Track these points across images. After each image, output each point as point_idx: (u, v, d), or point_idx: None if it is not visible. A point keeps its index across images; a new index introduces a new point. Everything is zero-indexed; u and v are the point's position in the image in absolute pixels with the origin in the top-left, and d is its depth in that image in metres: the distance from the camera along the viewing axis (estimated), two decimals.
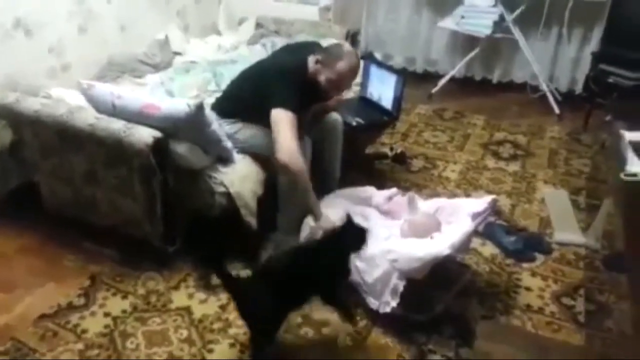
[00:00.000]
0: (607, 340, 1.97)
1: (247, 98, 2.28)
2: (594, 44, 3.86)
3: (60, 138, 2.19)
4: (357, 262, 1.95)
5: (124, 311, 2.04)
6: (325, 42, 3.20)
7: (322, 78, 2.21)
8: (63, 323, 1.99)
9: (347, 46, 2.33)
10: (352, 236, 1.81)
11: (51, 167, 2.33)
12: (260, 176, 2.30)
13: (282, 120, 2.08)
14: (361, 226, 1.85)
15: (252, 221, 2.23)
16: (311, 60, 2.24)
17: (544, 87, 3.91)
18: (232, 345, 1.91)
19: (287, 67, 2.22)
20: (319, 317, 2.02)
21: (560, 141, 3.50)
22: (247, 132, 2.30)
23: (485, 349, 1.68)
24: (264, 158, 2.27)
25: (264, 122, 2.13)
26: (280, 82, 2.16)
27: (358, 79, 3.00)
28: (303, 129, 2.25)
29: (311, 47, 2.38)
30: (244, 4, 4.02)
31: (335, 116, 2.55)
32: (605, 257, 2.40)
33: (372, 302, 1.96)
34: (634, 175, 1.75)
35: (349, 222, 1.82)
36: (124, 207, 2.23)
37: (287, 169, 2.06)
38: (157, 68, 3.22)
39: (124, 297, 2.11)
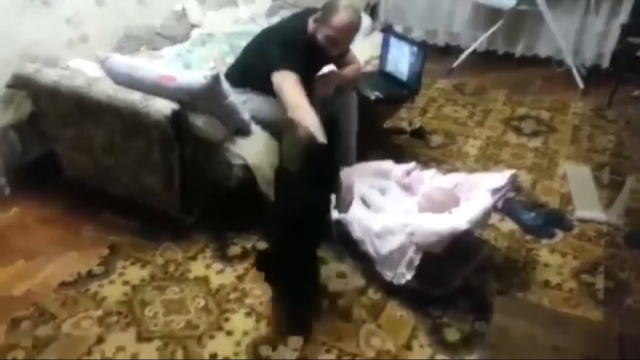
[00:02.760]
0: (626, 318, 1.95)
1: (252, 66, 2.29)
2: (623, 17, 3.73)
3: (78, 109, 2.20)
4: (372, 236, 1.94)
5: (142, 280, 2.08)
6: None
7: (320, 36, 2.20)
8: (83, 290, 2.03)
9: (344, 1, 2.23)
10: None
11: (70, 137, 2.35)
12: (276, 147, 2.28)
13: (284, 80, 2.09)
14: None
15: (270, 192, 2.23)
16: (310, 21, 2.24)
17: (568, 61, 3.80)
18: (248, 314, 1.93)
19: (286, 30, 2.24)
20: (334, 288, 2.03)
21: (584, 117, 3.41)
22: (255, 101, 2.29)
23: (502, 324, 1.67)
24: (275, 127, 2.23)
25: (272, 90, 2.14)
26: (279, 45, 2.16)
27: (377, 52, 2.97)
28: (314, 86, 2.25)
29: (315, 10, 2.35)
30: None
31: (349, 90, 2.50)
32: (627, 234, 2.36)
33: (387, 274, 1.96)
34: None
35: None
36: (143, 178, 2.24)
37: (301, 124, 1.92)
38: (174, 40, 3.20)
39: (143, 266, 2.14)
